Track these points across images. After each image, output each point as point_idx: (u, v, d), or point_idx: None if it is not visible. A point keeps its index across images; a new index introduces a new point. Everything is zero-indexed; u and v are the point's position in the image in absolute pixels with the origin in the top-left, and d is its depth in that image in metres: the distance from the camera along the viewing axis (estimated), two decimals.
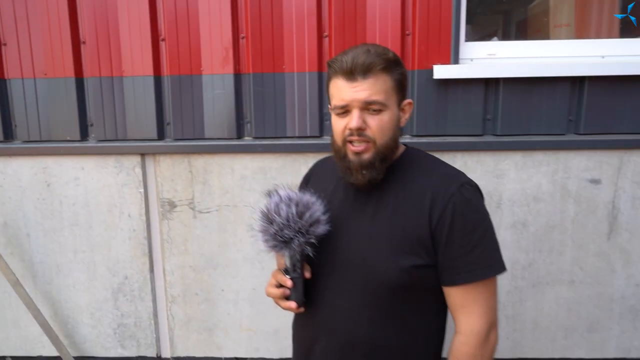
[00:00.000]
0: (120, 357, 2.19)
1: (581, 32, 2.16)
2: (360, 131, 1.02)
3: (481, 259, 1.03)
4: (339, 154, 1.08)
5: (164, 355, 2.20)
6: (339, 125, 1.05)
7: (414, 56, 1.92)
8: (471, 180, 1.09)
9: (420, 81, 1.92)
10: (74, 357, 2.15)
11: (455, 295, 1.06)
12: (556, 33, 2.14)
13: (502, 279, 2.02)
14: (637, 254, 1.98)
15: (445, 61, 1.91)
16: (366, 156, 1.04)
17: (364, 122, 1.02)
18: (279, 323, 2.11)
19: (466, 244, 1.02)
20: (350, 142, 1.04)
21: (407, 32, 1.92)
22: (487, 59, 1.97)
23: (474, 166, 1.95)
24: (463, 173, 1.11)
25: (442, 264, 1.05)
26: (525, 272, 2.02)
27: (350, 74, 1.01)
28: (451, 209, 1.02)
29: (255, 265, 2.07)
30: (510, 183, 1.96)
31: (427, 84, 1.92)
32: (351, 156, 1.05)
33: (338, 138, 1.07)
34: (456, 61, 1.92)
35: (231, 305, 2.11)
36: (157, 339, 2.18)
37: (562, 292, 2.03)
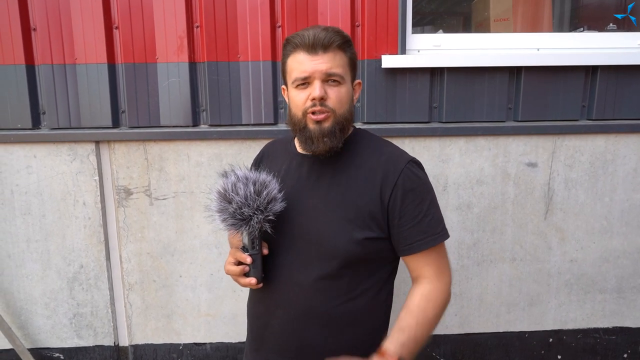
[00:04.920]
0: (76, 347, 2.18)
1: (519, 26, 2.30)
2: (322, 101, 1.07)
3: (431, 227, 1.12)
4: (299, 126, 1.12)
5: (122, 344, 2.20)
6: (299, 97, 1.10)
7: (364, 46, 2.00)
8: (415, 158, 1.18)
9: (370, 70, 2.01)
10: (28, 349, 2.13)
11: (414, 262, 1.15)
12: (496, 27, 2.28)
13: (449, 258, 2.13)
14: (570, 232, 2.14)
15: (393, 51, 2.00)
16: (326, 124, 1.09)
17: (325, 92, 1.07)
18: (237, 308, 2.15)
19: (417, 215, 1.11)
20: (312, 112, 1.09)
21: (356, 23, 2.00)
22: (433, 50, 2.08)
23: (421, 151, 2.06)
24: (406, 152, 1.19)
25: (398, 236, 1.12)
26: (470, 251, 2.14)
27: (312, 47, 1.06)
28: (401, 184, 1.11)
29: (213, 250, 2.10)
30: (455, 167, 2.08)
31: (376, 73, 2.01)
32: (312, 125, 1.10)
33: (298, 110, 1.11)
34: (403, 52, 2.02)
35: (189, 291, 2.14)
36: (115, 328, 2.17)
37: (504, 269, 2.16)
